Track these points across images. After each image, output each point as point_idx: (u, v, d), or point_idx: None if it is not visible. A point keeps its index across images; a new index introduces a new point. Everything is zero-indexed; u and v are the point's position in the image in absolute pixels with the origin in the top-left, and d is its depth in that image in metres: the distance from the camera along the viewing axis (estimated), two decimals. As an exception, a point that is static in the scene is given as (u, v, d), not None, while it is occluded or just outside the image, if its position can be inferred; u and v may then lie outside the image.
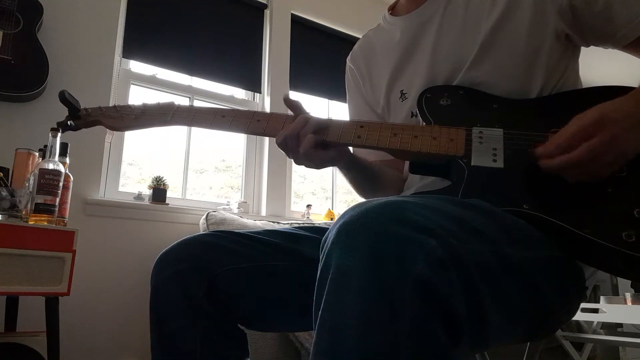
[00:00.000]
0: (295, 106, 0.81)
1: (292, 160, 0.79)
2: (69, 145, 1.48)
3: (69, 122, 0.87)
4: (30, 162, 1.49)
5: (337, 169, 0.88)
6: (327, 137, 0.77)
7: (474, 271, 0.46)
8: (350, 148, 0.84)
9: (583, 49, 0.83)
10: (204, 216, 1.93)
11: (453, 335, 0.42)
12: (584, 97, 0.76)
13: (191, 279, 0.74)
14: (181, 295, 0.73)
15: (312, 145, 0.74)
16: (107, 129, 0.88)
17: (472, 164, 0.69)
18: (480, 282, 0.46)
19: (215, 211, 1.96)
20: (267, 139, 2.45)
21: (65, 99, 0.84)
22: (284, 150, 0.78)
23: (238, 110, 0.85)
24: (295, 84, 2.71)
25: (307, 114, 0.80)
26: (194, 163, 2.42)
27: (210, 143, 2.52)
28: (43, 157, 1.41)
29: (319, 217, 2.62)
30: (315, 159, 0.76)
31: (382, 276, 0.40)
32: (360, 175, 0.91)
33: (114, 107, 0.88)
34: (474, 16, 0.83)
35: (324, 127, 0.78)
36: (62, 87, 0.86)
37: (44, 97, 1.85)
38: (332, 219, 2.56)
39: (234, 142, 2.57)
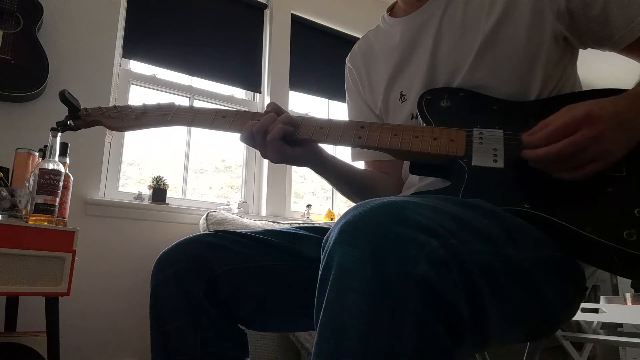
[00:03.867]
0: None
1: (260, 152, 0.79)
2: (69, 145, 1.48)
3: (68, 122, 0.87)
4: (30, 162, 1.49)
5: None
6: (298, 134, 0.77)
7: (475, 271, 0.46)
8: (323, 147, 0.84)
9: (582, 50, 0.83)
10: (204, 216, 1.93)
11: (454, 335, 0.42)
12: (583, 100, 0.76)
13: (191, 278, 0.73)
14: (181, 295, 0.73)
15: (280, 135, 0.74)
16: (107, 129, 0.88)
17: (472, 164, 0.69)
18: (481, 282, 0.46)
19: (215, 211, 1.96)
20: (267, 139, 2.45)
21: (65, 98, 0.84)
22: (249, 143, 0.78)
23: (239, 111, 0.85)
24: (295, 84, 2.71)
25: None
26: (194, 163, 2.42)
27: (210, 143, 2.52)
28: (43, 157, 1.41)
29: (319, 217, 2.62)
30: (278, 152, 0.76)
31: (383, 276, 0.40)
32: (336, 180, 0.91)
33: (114, 107, 0.88)
34: (473, 18, 0.83)
35: (295, 124, 0.78)
36: (62, 87, 0.85)
37: (44, 97, 1.85)
38: (332, 219, 2.56)
39: (234, 142, 2.57)
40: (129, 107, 0.87)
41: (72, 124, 0.87)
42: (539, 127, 0.64)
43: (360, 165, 1.03)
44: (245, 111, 0.84)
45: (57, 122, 0.87)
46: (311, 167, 0.85)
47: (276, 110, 0.79)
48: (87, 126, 0.88)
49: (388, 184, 0.97)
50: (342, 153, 1.02)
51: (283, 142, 0.75)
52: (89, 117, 0.87)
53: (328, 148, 0.86)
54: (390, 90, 0.93)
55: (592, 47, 0.79)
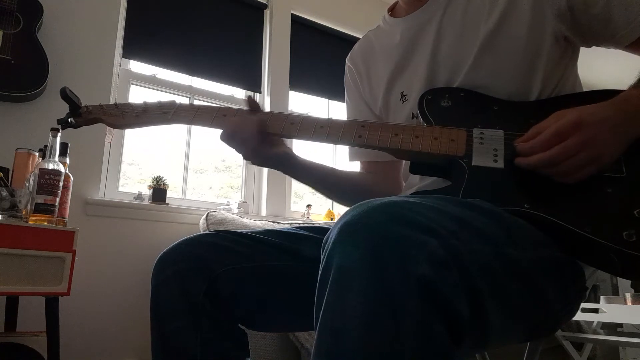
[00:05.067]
0: (253, 106, 0.83)
1: (240, 154, 0.81)
2: (69, 145, 1.48)
3: (69, 120, 0.87)
4: (30, 162, 1.49)
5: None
6: (298, 134, 0.78)
7: (475, 271, 0.46)
8: (294, 150, 0.85)
9: (582, 49, 0.83)
10: (204, 216, 1.93)
11: (454, 335, 0.42)
12: (583, 101, 0.76)
13: (191, 278, 0.73)
14: (181, 295, 0.73)
15: (257, 138, 0.76)
16: (108, 128, 0.88)
17: (473, 164, 0.69)
18: (481, 282, 0.46)
19: (215, 211, 1.96)
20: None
21: (66, 95, 0.84)
22: (229, 144, 0.80)
23: (239, 109, 0.85)
24: (295, 84, 2.71)
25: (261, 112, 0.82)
26: (194, 163, 2.42)
27: (210, 143, 2.52)
28: (43, 157, 1.41)
29: (319, 217, 2.62)
30: (259, 154, 0.79)
31: (383, 276, 0.40)
32: (314, 184, 0.93)
33: (115, 104, 0.88)
34: (473, 18, 0.83)
35: (266, 119, 0.79)
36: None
37: (44, 97, 1.85)
38: (332, 219, 2.56)
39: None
40: (130, 104, 0.87)
41: (73, 121, 0.87)
42: (531, 134, 0.66)
43: (354, 166, 1.03)
44: (246, 109, 0.85)
45: (57, 120, 0.87)
46: (282, 170, 0.86)
47: (251, 106, 0.81)
48: (87, 124, 0.88)
49: (381, 186, 0.97)
50: (343, 153, 1.02)
51: (263, 144, 0.77)
52: (89, 114, 0.87)
53: (328, 149, 0.86)
54: (391, 90, 0.93)
55: (596, 45, 0.79)
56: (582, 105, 0.65)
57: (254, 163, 0.80)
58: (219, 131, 0.82)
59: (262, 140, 0.77)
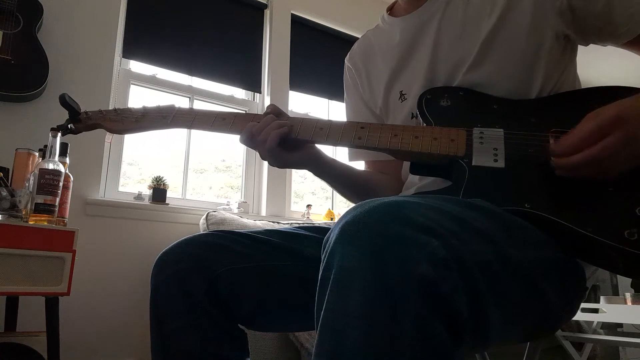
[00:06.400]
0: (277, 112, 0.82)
1: (259, 155, 0.80)
2: (69, 145, 1.48)
3: (69, 126, 0.87)
4: (30, 162, 1.49)
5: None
6: (298, 135, 0.78)
7: (476, 272, 0.46)
8: (321, 150, 0.84)
9: (581, 48, 0.83)
10: (204, 216, 1.93)
11: (455, 335, 0.42)
12: (583, 98, 0.76)
13: (191, 278, 0.73)
14: (181, 295, 0.73)
15: (276, 143, 0.75)
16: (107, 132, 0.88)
17: (473, 164, 0.69)
18: (481, 282, 0.46)
19: (215, 211, 1.96)
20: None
21: (65, 102, 0.84)
22: (249, 146, 0.79)
23: (239, 113, 0.85)
24: (295, 84, 2.71)
25: (282, 116, 0.81)
26: (194, 163, 2.42)
27: (210, 143, 2.53)
28: (43, 157, 1.41)
29: (319, 217, 2.62)
30: (276, 159, 0.78)
31: (384, 276, 0.40)
32: (336, 182, 0.92)
33: (115, 110, 0.88)
34: (474, 17, 0.83)
35: (292, 127, 0.78)
36: (62, 87, 0.86)
37: (44, 97, 1.85)
38: (332, 219, 2.56)
39: (234, 142, 2.57)
40: (129, 110, 0.87)
41: (73, 127, 0.87)
42: (567, 136, 0.63)
43: (359, 165, 1.03)
44: (245, 113, 0.85)
45: (57, 126, 0.87)
46: (310, 170, 0.85)
47: (276, 112, 0.80)
48: (87, 129, 0.89)
49: (388, 184, 0.97)
50: (342, 154, 1.02)
51: (281, 148, 0.76)
52: (89, 120, 0.87)
53: (328, 150, 0.86)
54: (390, 89, 0.93)
55: (595, 43, 0.79)
56: (582, 103, 0.64)
57: (273, 165, 0.79)
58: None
59: (276, 144, 0.76)
